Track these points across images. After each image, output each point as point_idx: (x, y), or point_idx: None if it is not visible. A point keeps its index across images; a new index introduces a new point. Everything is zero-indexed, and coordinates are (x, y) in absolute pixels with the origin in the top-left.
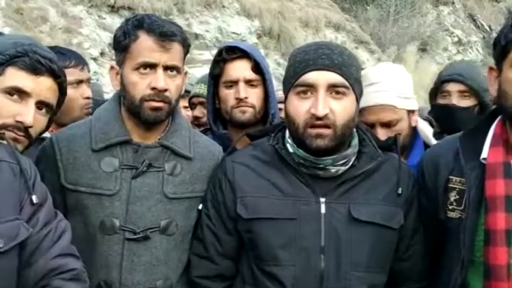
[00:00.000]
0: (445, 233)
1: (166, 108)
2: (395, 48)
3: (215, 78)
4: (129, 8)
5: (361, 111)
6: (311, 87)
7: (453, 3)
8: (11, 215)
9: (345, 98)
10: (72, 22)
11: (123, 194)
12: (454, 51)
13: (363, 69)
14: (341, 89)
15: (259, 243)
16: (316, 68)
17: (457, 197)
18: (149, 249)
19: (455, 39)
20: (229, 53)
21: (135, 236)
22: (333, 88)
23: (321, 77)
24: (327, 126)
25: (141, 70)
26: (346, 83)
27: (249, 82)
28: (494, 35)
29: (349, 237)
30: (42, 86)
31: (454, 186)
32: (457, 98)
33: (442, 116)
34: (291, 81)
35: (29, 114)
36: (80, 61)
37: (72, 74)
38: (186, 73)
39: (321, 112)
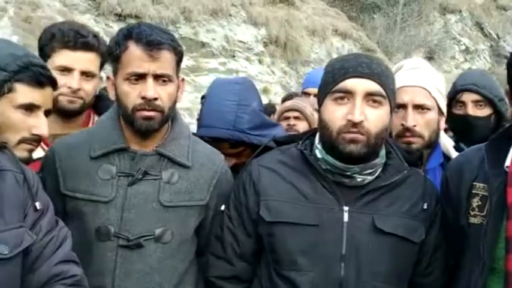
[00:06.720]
0: (465, 240)
1: (159, 116)
2: (402, 56)
3: None
4: (136, 17)
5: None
6: (349, 94)
7: (460, 11)
8: (16, 222)
9: (381, 107)
10: None
11: (118, 201)
12: (462, 60)
13: None
14: (378, 98)
15: (279, 247)
16: (356, 75)
17: (480, 203)
18: (143, 257)
19: (463, 47)
20: None
21: (128, 243)
22: (370, 96)
23: (359, 84)
24: (361, 133)
25: (132, 80)
26: (383, 93)
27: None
28: (502, 43)
29: (371, 247)
30: (48, 97)
31: (477, 192)
32: (472, 108)
33: (459, 127)
34: (328, 87)
35: (44, 126)
36: None
37: None
38: (183, 80)
39: (357, 118)
